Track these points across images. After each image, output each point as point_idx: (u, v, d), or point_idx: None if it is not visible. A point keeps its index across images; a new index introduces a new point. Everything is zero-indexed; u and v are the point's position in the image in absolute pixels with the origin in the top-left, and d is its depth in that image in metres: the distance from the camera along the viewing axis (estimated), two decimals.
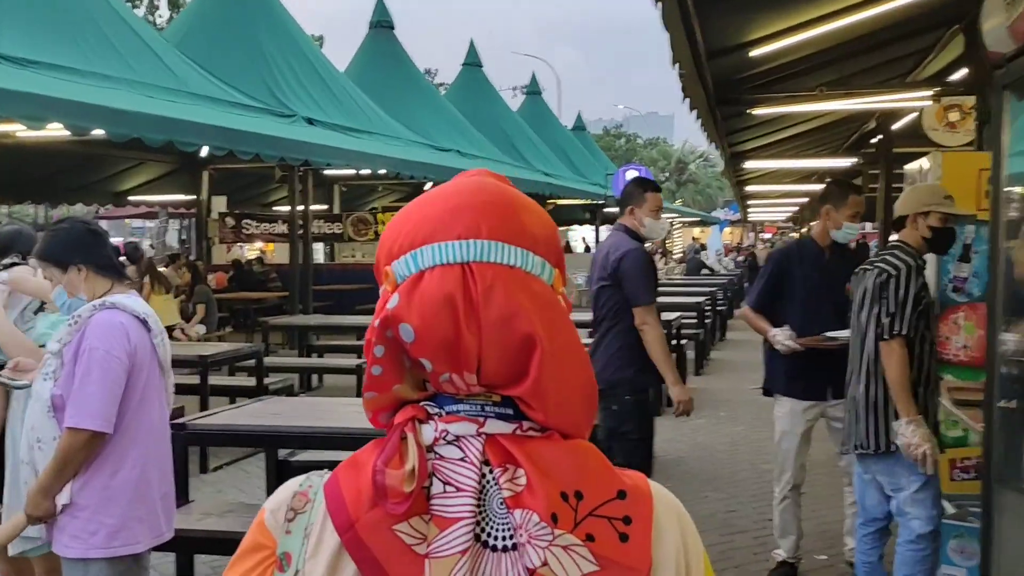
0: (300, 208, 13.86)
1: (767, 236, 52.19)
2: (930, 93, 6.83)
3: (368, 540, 0.87)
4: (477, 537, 0.87)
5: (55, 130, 7.36)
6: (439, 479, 0.88)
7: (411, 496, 0.86)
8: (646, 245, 4.77)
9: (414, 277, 0.90)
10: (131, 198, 18.50)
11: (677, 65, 4.56)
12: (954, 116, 9.27)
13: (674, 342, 9.92)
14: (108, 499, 2.76)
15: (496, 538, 0.87)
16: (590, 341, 4.66)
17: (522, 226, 0.92)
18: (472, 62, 24.60)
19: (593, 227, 33.30)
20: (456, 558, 0.85)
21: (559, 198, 23.52)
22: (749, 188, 17.74)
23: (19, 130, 8.32)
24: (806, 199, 23.49)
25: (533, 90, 30.26)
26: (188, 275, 12.13)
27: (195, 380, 6.87)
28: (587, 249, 36.42)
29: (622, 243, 4.58)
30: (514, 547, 0.87)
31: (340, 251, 20.33)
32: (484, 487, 0.88)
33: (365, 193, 23.32)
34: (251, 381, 7.62)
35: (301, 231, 13.68)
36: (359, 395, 7.03)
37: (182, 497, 4.05)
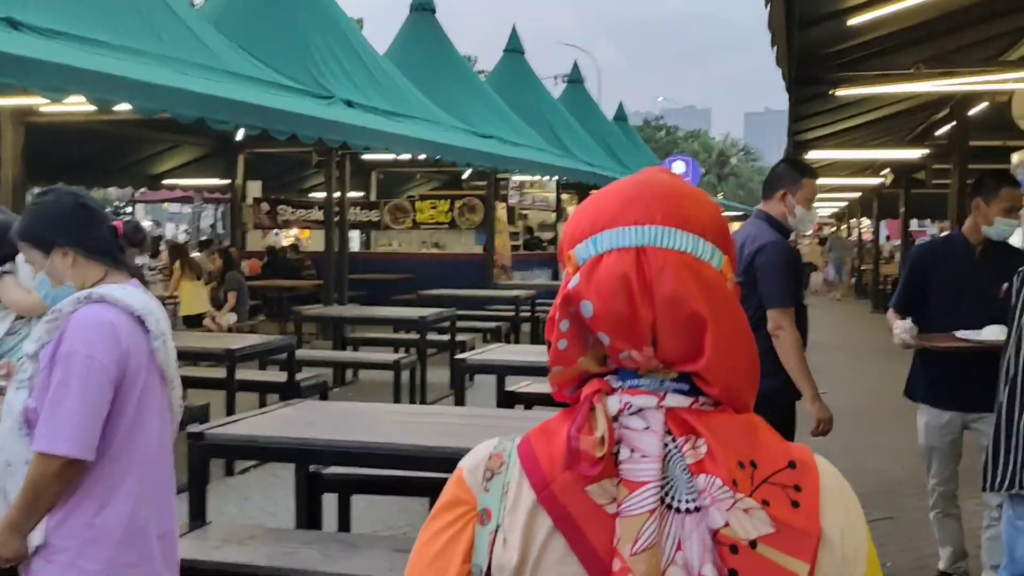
0: (337, 195, 13.33)
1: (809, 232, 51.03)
2: None
3: (563, 499, 0.95)
4: (662, 500, 0.93)
5: (79, 104, 6.87)
6: (626, 446, 0.96)
7: (602, 460, 0.94)
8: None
9: (594, 259, 0.98)
10: (165, 181, 18.14)
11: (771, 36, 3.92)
12: None
13: None
14: (92, 540, 2.20)
15: (680, 501, 0.93)
16: None
17: (692, 215, 0.99)
18: (514, 48, 23.97)
19: None
20: (644, 517, 0.92)
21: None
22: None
23: (42, 104, 7.83)
24: (858, 194, 22.69)
25: (575, 78, 29.55)
26: (219, 261, 11.65)
27: (222, 374, 6.36)
28: None
29: (761, 233, 4.04)
30: (697, 509, 0.93)
31: (377, 239, 19.83)
32: (668, 454, 0.95)
33: (403, 180, 22.84)
34: (282, 376, 7.09)
35: (337, 218, 13.15)
36: (396, 396, 6.41)
37: (198, 518, 3.51)
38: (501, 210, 17.36)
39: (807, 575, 0.92)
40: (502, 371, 5.92)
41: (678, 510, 0.93)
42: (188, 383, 7.50)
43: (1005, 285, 4.06)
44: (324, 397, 7.28)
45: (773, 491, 0.94)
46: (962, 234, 4.35)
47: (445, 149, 12.32)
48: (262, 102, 8.58)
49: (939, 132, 13.27)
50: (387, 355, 9.02)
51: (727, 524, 0.92)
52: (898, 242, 32.11)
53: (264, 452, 3.50)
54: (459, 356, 5.81)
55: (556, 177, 18.91)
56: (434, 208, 17.65)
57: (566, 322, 1.00)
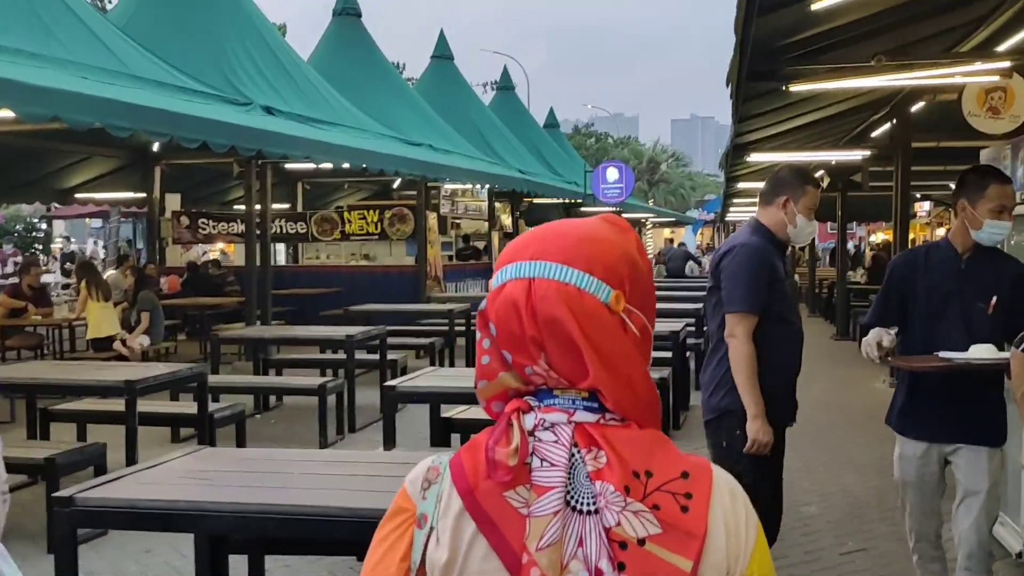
0: (258, 207, 12.62)
1: None
2: (1007, 65, 5.73)
3: (484, 503, 1.08)
4: (567, 503, 1.06)
5: None
6: (538, 457, 1.08)
7: (514, 469, 1.06)
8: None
9: (498, 287, 1.14)
10: (78, 196, 17.17)
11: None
12: (997, 99, 8.28)
13: (681, 355, 8.80)
14: None
15: (581, 503, 1.06)
16: None
17: (581, 254, 1.12)
18: (442, 54, 23.46)
19: None
20: (549, 518, 1.05)
21: (535, 196, 22.46)
22: (739, 185, 16.73)
23: None
24: None
25: (505, 85, 29.14)
26: (132, 279, 10.86)
27: (122, 408, 5.70)
28: None
29: (737, 238, 3.84)
30: (596, 511, 1.05)
31: (304, 252, 19.10)
32: (573, 464, 1.07)
33: (330, 191, 22.15)
34: (194, 407, 6.41)
35: (259, 231, 12.44)
36: (322, 423, 5.76)
37: None
38: (432, 220, 16.79)
39: (691, 570, 1.05)
40: (434, 399, 5.37)
41: (580, 512, 1.05)
42: (88, 418, 6.83)
43: (994, 299, 3.64)
44: (241, 429, 6.64)
45: (664, 497, 1.06)
46: (948, 241, 3.86)
47: (371, 157, 11.72)
48: (169, 107, 7.92)
49: (875, 133, 13.06)
50: (312, 379, 8.38)
51: (618, 524, 1.04)
52: (830, 244, 32.24)
53: (148, 519, 2.87)
54: (388, 384, 5.23)
55: (488, 185, 18.40)
56: (363, 219, 17.00)
57: (487, 340, 1.14)
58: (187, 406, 6.82)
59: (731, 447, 3.69)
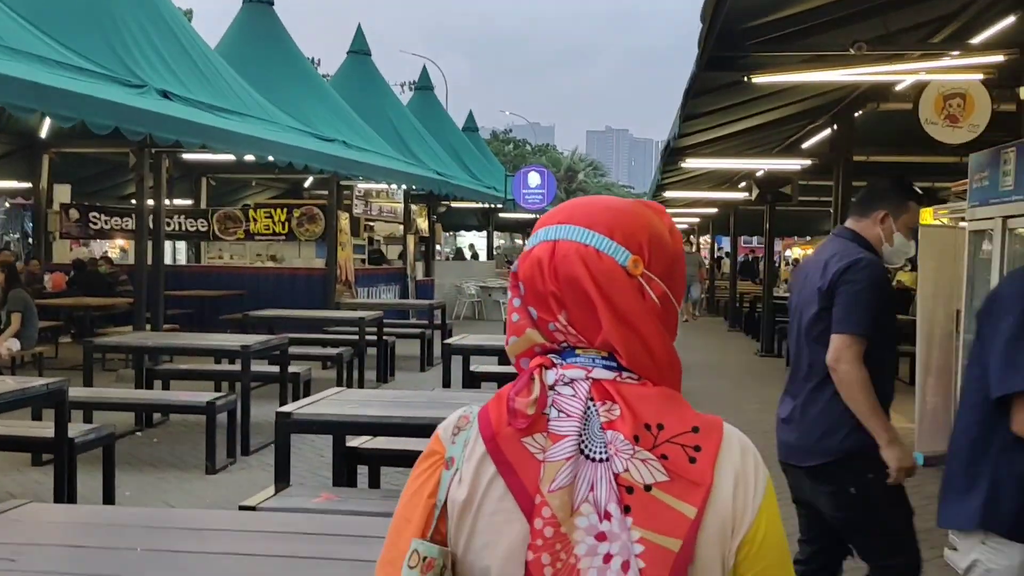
0: (151, 201, 11.54)
1: None
2: (1001, 59, 5.13)
3: (503, 447, 1.15)
4: (580, 451, 1.12)
5: None
6: (556, 408, 1.15)
7: (532, 418, 1.14)
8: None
9: (529, 249, 1.22)
10: None
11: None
12: (955, 107, 7.78)
13: None
14: None
15: (593, 451, 1.13)
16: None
17: (603, 220, 1.20)
18: (359, 50, 22.49)
19: (484, 233, 31.50)
20: (562, 463, 1.12)
21: (453, 199, 21.65)
22: (666, 194, 16.17)
23: None
24: (714, 210, 22.21)
25: (424, 85, 28.29)
26: (1, 276, 9.70)
27: None
28: (475, 256, 34.32)
29: (850, 251, 3.30)
30: (606, 459, 1.12)
31: (207, 250, 17.93)
32: (587, 415, 1.14)
33: (237, 188, 21.05)
34: (50, 429, 5.40)
35: (155, 226, 11.36)
36: (210, 445, 4.78)
37: None
38: (345, 221, 15.83)
39: (695, 516, 1.10)
40: (337, 429, 4.53)
41: (592, 459, 1.12)
42: None
43: None
44: (110, 454, 5.67)
45: (674, 449, 1.12)
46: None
47: (278, 148, 10.79)
48: (43, 81, 6.90)
49: (808, 144, 12.61)
50: (201, 393, 7.40)
51: (626, 470, 1.11)
52: (743, 257, 32.17)
53: None
54: (283, 410, 4.34)
55: (404, 186, 17.53)
56: (269, 217, 15.98)
57: (517, 299, 1.23)
58: (47, 427, 5.81)
59: (863, 492, 3.22)
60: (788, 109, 9.74)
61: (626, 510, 1.09)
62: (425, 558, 1.16)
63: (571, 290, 1.16)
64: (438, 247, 29.40)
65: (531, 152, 60.57)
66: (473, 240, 41.35)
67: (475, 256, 34.19)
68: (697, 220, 28.57)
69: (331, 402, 4.56)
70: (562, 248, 1.17)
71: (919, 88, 7.70)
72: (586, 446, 1.12)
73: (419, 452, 1.26)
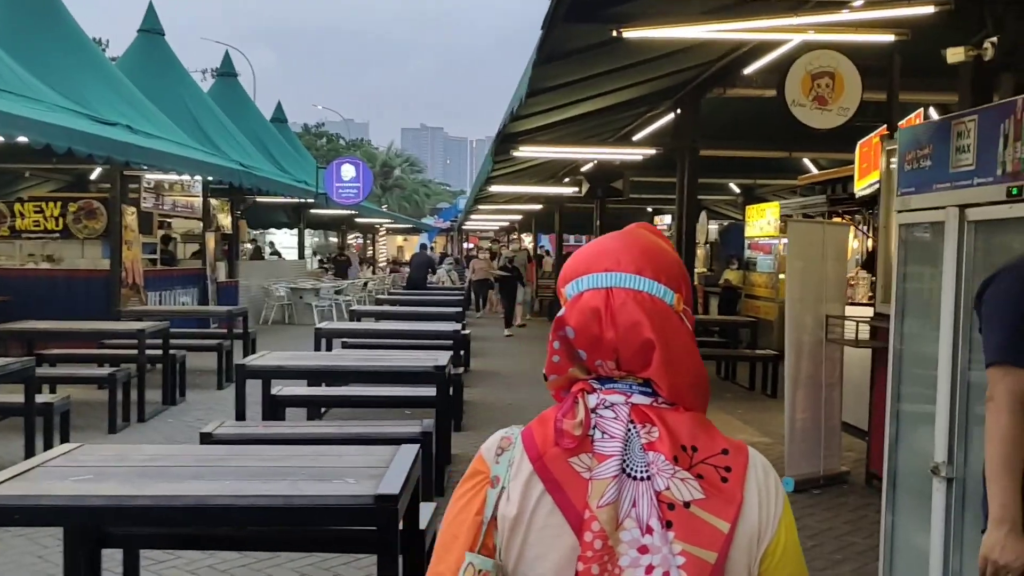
0: None
1: (470, 246, 50.63)
2: (931, 10, 4.19)
3: (551, 467, 1.24)
4: (623, 470, 1.22)
5: None
6: (599, 430, 1.25)
7: (578, 439, 1.23)
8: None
9: (576, 296, 1.30)
10: None
11: None
12: (824, 87, 6.97)
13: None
14: None
15: (636, 471, 1.22)
16: None
17: (648, 263, 1.30)
18: (151, 28, 20.29)
19: (295, 231, 29.51)
20: (608, 481, 1.21)
21: (258, 194, 19.85)
22: (492, 188, 15.07)
23: None
24: (538, 206, 21.34)
25: (227, 71, 26.14)
26: None
27: None
28: (275, 254, 32.02)
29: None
30: (647, 477, 1.21)
31: None
32: (629, 437, 1.24)
33: (8, 182, 18.57)
34: None
35: None
36: None
37: None
38: (131, 216, 13.90)
39: (728, 531, 1.21)
40: (78, 518, 3.08)
41: (634, 477, 1.21)
42: None
43: None
44: None
45: (707, 469, 1.23)
46: None
47: (38, 127, 8.99)
48: None
49: (641, 135, 11.80)
50: None
51: (667, 488, 1.20)
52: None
53: None
54: None
55: (202, 177, 15.72)
56: (40, 212, 13.90)
57: (557, 342, 1.30)
58: None
59: None
60: (630, 92, 8.79)
61: (668, 525, 1.20)
62: (480, 571, 1.26)
63: (629, 335, 1.26)
64: (248, 246, 27.32)
65: (345, 147, 58.55)
66: (281, 238, 39.16)
67: (276, 254, 32.13)
68: (519, 217, 27.74)
69: (47, 473, 3.10)
70: (618, 296, 1.28)
71: (783, 66, 6.86)
72: (628, 465, 1.22)
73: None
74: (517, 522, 1.23)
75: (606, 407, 1.26)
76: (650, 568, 1.17)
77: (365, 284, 26.41)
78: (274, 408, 6.96)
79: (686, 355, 1.27)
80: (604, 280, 1.28)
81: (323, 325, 9.14)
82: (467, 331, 11.51)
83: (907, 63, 6.52)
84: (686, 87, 8.88)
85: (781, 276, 12.10)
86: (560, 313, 1.30)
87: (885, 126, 7.08)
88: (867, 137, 8.32)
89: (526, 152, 9.73)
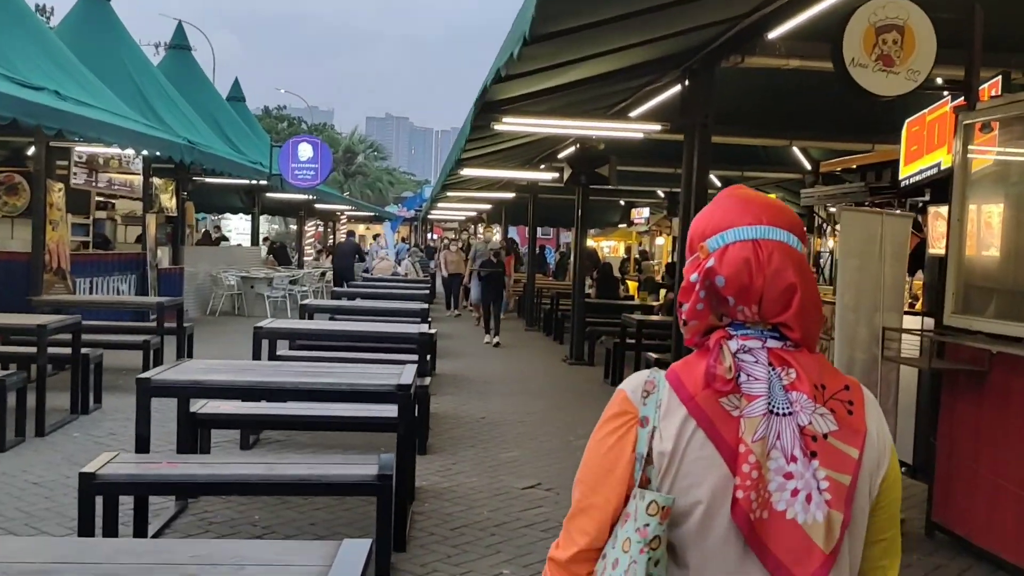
0: None
1: (435, 237, 49.19)
2: None
3: (704, 406, 1.41)
4: (769, 408, 1.39)
5: None
6: (743, 373, 1.42)
7: (730, 381, 1.40)
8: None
9: (723, 248, 1.46)
10: None
11: None
12: (891, 45, 5.63)
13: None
14: None
15: (779, 408, 1.39)
16: None
17: (786, 218, 1.49)
18: None
19: (249, 216, 27.83)
20: (759, 418, 1.38)
21: (207, 173, 18.27)
22: (464, 171, 13.66)
23: None
24: (510, 195, 19.93)
25: (180, 43, 24.42)
26: None
27: None
28: (223, 239, 30.30)
29: None
30: (790, 413, 1.39)
31: None
32: (771, 379, 1.41)
33: None
34: None
35: None
36: None
37: None
38: (57, 193, 12.34)
39: (857, 456, 1.40)
40: None
41: (778, 414, 1.39)
42: None
43: None
44: None
45: (836, 404, 1.42)
46: None
47: None
48: None
49: (638, 111, 10.48)
50: None
51: (810, 423, 1.39)
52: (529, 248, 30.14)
53: None
54: None
55: (143, 152, 14.17)
56: None
57: (703, 291, 1.46)
58: None
59: None
60: (634, 55, 7.45)
61: (812, 455, 1.38)
62: (663, 507, 1.39)
63: (776, 280, 1.43)
64: (199, 231, 25.65)
65: (307, 131, 56.78)
66: (238, 223, 37.33)
67: (223, 239, 30.38)
68: (489, 207, 26.32)
69: None
70: (766, 247, 1.45)
71: (842, 16, 5.54)
72: (773, 403, 1.39)
73: None
74: (673, 456, 1.41)
75: (745, 352, 1.44)
76: (795, 492, 1.37)
77: (323, 274, 24.91)
78: (193, 430, 5.54)
79: (816, 299, 1.47)
80: (751, 232, 1.46)
81: (265, 323, 7.68)
82: (434, 331, 10.11)
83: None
84: (700, 52, 7.54)
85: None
86: (710, 264, 1.46)
87: (949, 97, 5.79)
88: (918, 114, 7.04)
89: (510, 124, 8.33)
